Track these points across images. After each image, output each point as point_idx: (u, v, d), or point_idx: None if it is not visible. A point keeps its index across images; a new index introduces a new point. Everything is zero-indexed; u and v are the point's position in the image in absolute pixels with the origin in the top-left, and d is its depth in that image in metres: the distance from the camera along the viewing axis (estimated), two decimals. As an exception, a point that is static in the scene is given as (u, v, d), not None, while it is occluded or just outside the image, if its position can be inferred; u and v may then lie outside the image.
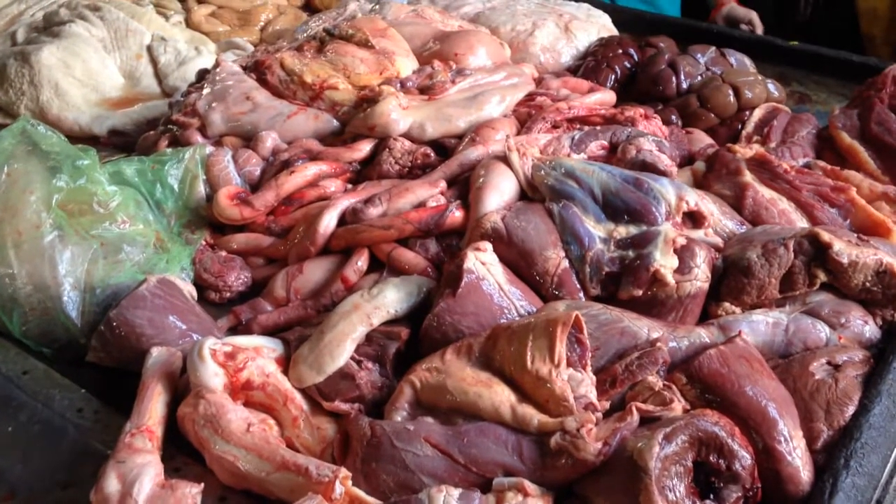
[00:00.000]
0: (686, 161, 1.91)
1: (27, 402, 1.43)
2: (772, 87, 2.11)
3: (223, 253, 1.76)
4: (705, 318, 1.49)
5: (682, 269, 1.45)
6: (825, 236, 1.44)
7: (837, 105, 2.02)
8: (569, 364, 1.28)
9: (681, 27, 2.61)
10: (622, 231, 1.55)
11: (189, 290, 1.64)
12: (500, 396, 1.28)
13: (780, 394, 1.27)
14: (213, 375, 1.34)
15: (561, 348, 1.27)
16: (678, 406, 1.26)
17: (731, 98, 2.06)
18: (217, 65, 2.12)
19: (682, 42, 2.41)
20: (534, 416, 1.25)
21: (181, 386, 1.42)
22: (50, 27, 2.53)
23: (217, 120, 1.97)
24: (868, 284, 1.44)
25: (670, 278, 1.44)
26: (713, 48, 2.26)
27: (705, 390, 1.28)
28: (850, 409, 1.29)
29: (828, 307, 1.46)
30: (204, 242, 1.78)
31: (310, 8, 3.08)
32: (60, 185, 1.62)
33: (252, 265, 1.78)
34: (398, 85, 1.97)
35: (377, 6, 2.43)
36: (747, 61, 2.27)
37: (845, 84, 2.31)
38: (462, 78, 2.01)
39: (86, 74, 2.37)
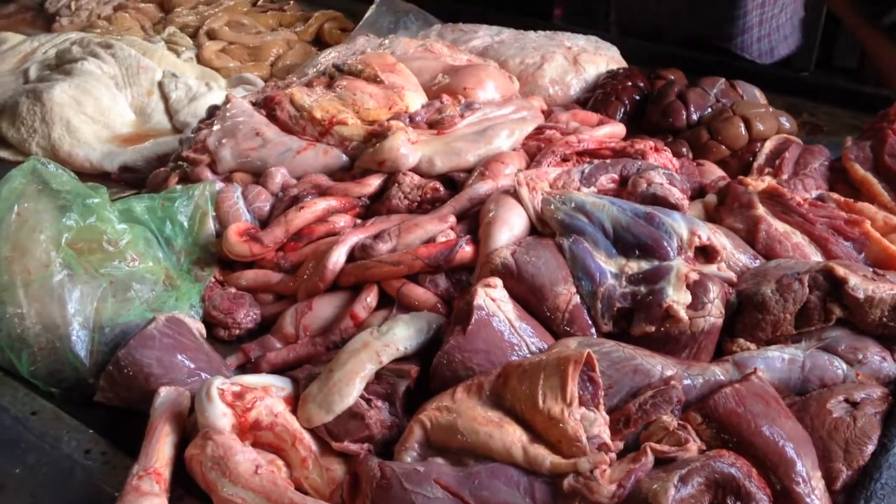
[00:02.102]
0: (697, 194, 1.90)
1: (35, 443, 1.42)
2: (783, 118, 2.10)
3: (232, 290, 1.75)
4: (719, 354, 1.47)
5: (696, 305, 1.43)
6: (840, 271, 1.42)
7: (850, 136, 2.01)
8: (581, 403, 1.26)
9: (690, 59, 2.61)
10: (634, 266, 1.53)
11: (198, 327, 1.63)
12: (512, 437, 1.25)
13: (797, 433, 1.25)
14: (220, 416, 1.33)
15: (573, 387, 1.25)
16: (694, 446, 1.24)
17: (742, 130, 2.05)
18: (227, 101, 2.13)
19: (692, 73, 2.41)
20: (546, 456, 1.23)
21: (189, 426, 1.40)
22: (62, 65, 2.56)
23: (227, 156, 1.98)
24: (885, 320, 1.42)
25: (683, 314, 1.42)
26: (723, 80, 2.25)
27: (721, 430, 1.25)
28: (870, 449, 1.26)
29: (844, 343, 1.43)
30: (213, 279, 1.77)
31: (320, 43, 3.11)
32: (70, 223, 1.62)
33: (261, 302, 1.77)
34: (407, 119, 1.97)
35: (386, 41, 2.45)
36: (757, 92, 2.27)
37: (857, 115, 2.30)
38: (471, 112, 2.01)
39: (97, 111, 2.38)
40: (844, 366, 1.41)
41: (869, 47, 2.85)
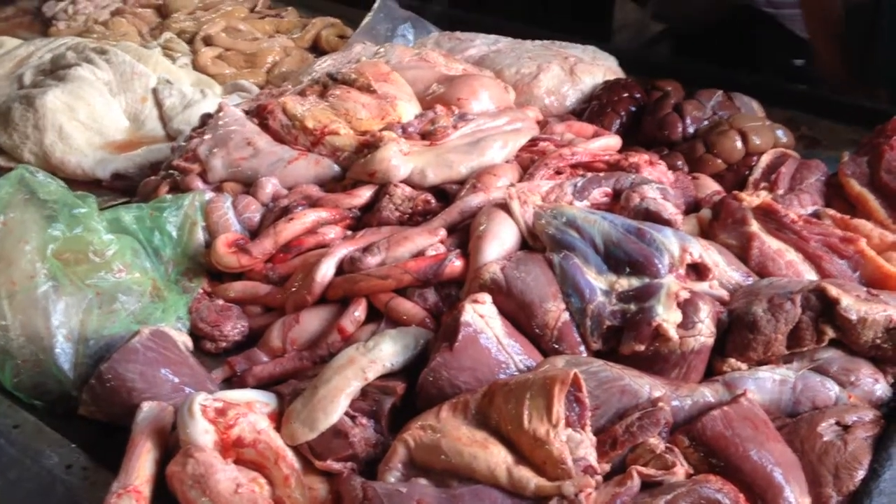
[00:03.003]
0: (692, 208, 1.88)
1: (17, 457, 1.41)
2: (780, 132, 2.08)
3: (220, 301, 1.74)
4: (710, 373, 1.45)
5: (686, 324, 1.41)
6: (833, 291, 1.40)
7: (847, 151, 1.98)
8: (567, 424, 1.24)
9: (688, 70, 2.59)
10: (624, 283, 1.51)
11: (184, 340, 1.62)
12: (496, 458, 1.24)
13: (786, 458, 1.23)
14: (202, 432, 1.31)
15: (559, 408, 1.23)
16: (681, 470, 1.22)
17: (739, 143, 2.03)
18: (220, 109, 2.12)
19: (689, 85, 2.39)
20: (531, 479, 1.21)
21: (172, 442, 1.39)
22: (56, 70, 2.55)
23: (218, 165, 1.96)
24: (878, 341, 1.40)
25: (673, 333, 1.40)
26: (720, 92, 2.23)
27: (709, 454, 1.24)
28: (860, 474, 1.25)
29: (836, 364, 1.42)
30: (201, 291, 1.75)
31: (316, 50, 3.09)
32: (56, 234, 1.60)
33: (249, 314, 1.75)
34: (399, 130, 1.96)
35: (382, 49, 2.43)
36: (755, 105, 2.25)
37: (856, 129, 2.28)
38: (464, 123, 1.99)
39: (90, 118, 2.37)
40: (836, 387, 1.39)
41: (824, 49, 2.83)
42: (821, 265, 1.60)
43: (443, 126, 1.95)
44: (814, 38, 2.79)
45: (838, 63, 2.73)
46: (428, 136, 1.95)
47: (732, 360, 1.45)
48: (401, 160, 1.85)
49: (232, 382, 1.62)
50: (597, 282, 1.52)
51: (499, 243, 1.62)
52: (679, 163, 2.04)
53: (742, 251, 1.64)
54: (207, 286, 1.78)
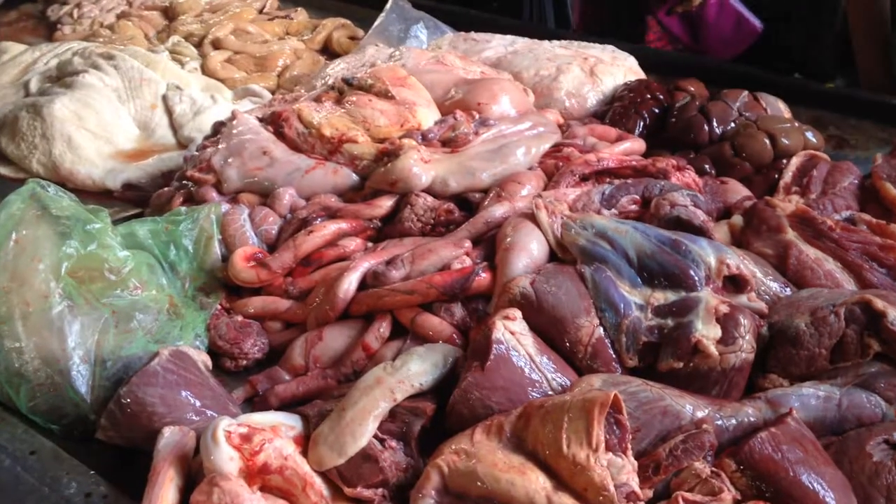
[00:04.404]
0: (722, 214, 1.83)
1: (34, 486, 1.36)
2: (809, 133, 2.03)
3: (239, 318, 1.69)
4: (750, 390, 1.40)
5: (726, 340, 1.37)
6: (879, 304, 1.35)
7: (877, 150, 1.93)
8: (608, 448, 1.19)
9: (709, 68, 2.53)
10: (660, 297, 1.46)
11: (203, 359, 1.57)
12: (535, 484, 1.19)
13: (837, 482, 1.18)
14: (227, 460, 1.26)
15: (599, 431, 1.19)
16: (728, 496, 1.17)
17: (768, 146, 1.97)
18: (233, 117, 2.06)
19: (711, 84, 2.33)
20: (571, 507, 1.16)
21: (195, 467, 1.34)
22: (63, 77, 2.50)
23: (233, 176, 1.91)
24: (926, 355, 1.35)
25: (713, 350, 1.35)
26: (745, 92, 2.17)
27: (757, 478, 1.19)
28: (914, 496, 1.19)
29: (883, 379, 1.36)
30: (219, 306, 1.71)
31: (328, 52, 3.03)
32: (70, 251, 1.55)
33: (269, 330, 1.70)
34: (419, 137, 1.90)
35: (397, 52, 2.38)
36: (781, 105, 2.19)
37: (884, 128, 2.23)
38: (485, 129, 1.94)
39: (99, 126, 2.32)
40: (883, 404, 1.34)
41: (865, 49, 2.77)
42: (861, 274, 1.55)
43: (464, 132, 1.89)
44: (855, 39, 2.73)
45: (879, 66, 2.66)
46: (449, 143, 1.90)
47: (774, 377, 1.40)
48: (422, 168, 1.79)
49: (253, 402, 1.58)
50: (631, 296, 1.47)
51: (527, 255, 1.57)
52: (706, 167, 1.98)
53: (779, 260, 1.59)
54: (225, 302, 1.73)
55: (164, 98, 2.47)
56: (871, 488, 1.21)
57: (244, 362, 1.65)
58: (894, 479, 1.22)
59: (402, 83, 2.06)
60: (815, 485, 1.15)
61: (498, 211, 1.71)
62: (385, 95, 2.01)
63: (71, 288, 1.53)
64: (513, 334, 1.39)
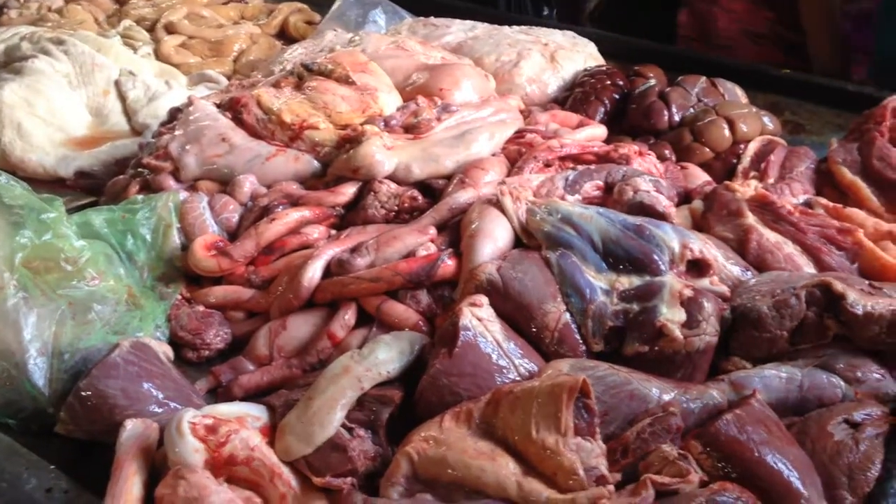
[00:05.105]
0: (682, 199, 1.84)
1: (-8, 482, 1.32)
2: (766, 118, 2.05)
3: (200, 308, 1.66)
4: (714, 372, 1.42)
5: (690, 323, 1.38)
6: (838, 286, 1.37)
7: (832, 136, 1.97)
8: (577, 432, 1.20)
9: (667, 55, 2.55)
10: (624, 282, 1.47)
11: (165, 350, 1.54)
12: (505, 470, 1.19)
13: (802, 462, 1.20)
14: (193, 452, 1.24)
15: (568, 416, 1.20)
16: (695, 477, 1.18)
17: (726, 131, 1.99)
18: (190, 103, 2.02)
19: (669, 70, 2.35)
20: (542, 491, 1.17)
21: (158, 460, 1.32)
22: (11, 63, 2.42)
23: (191, 163, 1.87)
24: (883, 336, 1.37)
25: (678, 333, 1.37)
26: (704, 78, 2.19)
27: (722, 459, 1.20)
28: (874, 474, 1.22)
29: (842, 360, 1.39)
30: (179, 296, 1.67)
31: (284, 36, 2.99)
32: (24, 242, 1.51)
33: (232, 319, 1.68)
34: (382, 123, 1.88)
35: (357, 37, 2.35)
36: (738, 91, 2.22)
37: (840, 113, 2.27)
38: (448, 115, 1.93)
39: (50, 113, 2.26)
40: (843, 384, 1.37)
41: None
42: (819, 257, 1.58)
43: (426, 119, 1.88)
44: (808, 25, 2.77)
45: (829, 52, 2.71)
46: (411, 129, 1.88)
47: (737, 359, 1.42)
48: (385, 155, 1.78)
49: (217, 393, 1.55)
50: (597, 281, 1.48)
51: (492, 242, 1.56)
52: (667, 152, 2.00)
53: (739, 244, 1.61)
54: (186, 291, 1.70)
55: (117, 84, 2.41)
56: (833, 467, 1.23)
57: (207, 353, 1.62)
58: (855, 458, 1.24)
59: (362, 69, 2.04)
60: (779, 465, 1.17)
61: (462, 197, 1.70)
62: (346, 81, 1.98)
63: (26, 279, 1.49)
64: (480, 321, 1.39)
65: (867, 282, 1.45)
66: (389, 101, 1.98)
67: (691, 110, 2.10)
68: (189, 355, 1.62)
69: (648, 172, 1.78)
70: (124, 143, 2.23)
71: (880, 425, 1.29)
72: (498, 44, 2.38)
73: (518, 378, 1.36)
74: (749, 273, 1.56)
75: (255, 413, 1.36)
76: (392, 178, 1.79)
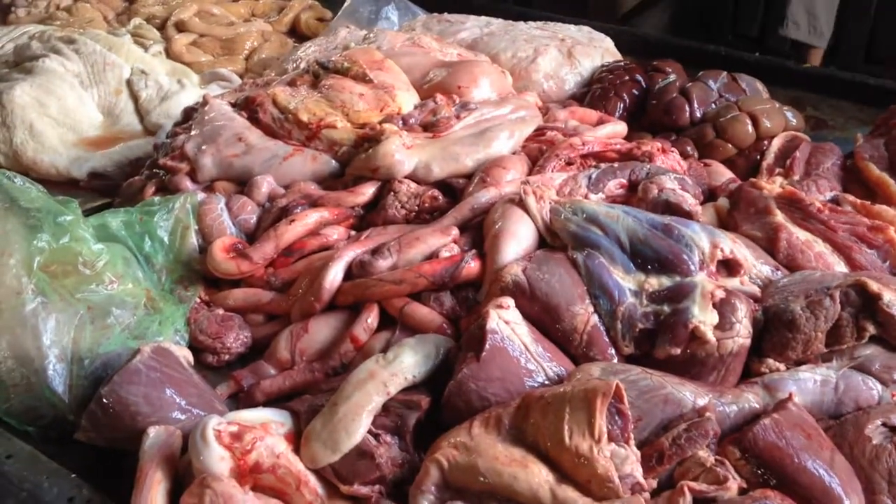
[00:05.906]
0: (707, 197, 1.81)
1: (13, 491, 1.30)
2: (789, 114, 2.02)
3: (220, 311, 1.64)
4: (746, 375, 1.39)
5: (723, 325, 1.35)
6: (874, 286, 1.34)
7: (856, 131, 1.93)
8: (610, 438, 1.17)
9: (685, 49, 2.52)
10: (654, 283, 1.44)
11: (185, 355, 1.51)
12: (538, 477, 1.16)
13: (842, 467, 1.17)
14: (218, 460, 1.22)
15: (601, 421, 1.16)
16: (734, 484, 1.15)
17: (749, 127, 1.96)
18: (205, 102, 1.99)
19: (687, 65, 2.32)
20: (576, 499, 1.14)
21: (182, 468, 1.29)
22: (21, 62, 2.39)
23: (208, 164, 1.85)
24: (920, 337, 1.35)
25: (710, 335, 1.34)
26: (724, 73, 2.16)
27: (761, 465, 1.17)
28: (915, 479, 1.19)
29: (878, 362, 1.36)
30: (198, 300, 1.65)
31: (295, 34, 2.96)
32: (42, 245, 1.48)
33: (252, 322, 1.65)
34: (400, 122, 1.86)
35: (371, 34, 2.32)
36: (759, 86, 2.18)
37: (862, 108, 2.23)
38: (467, 112, 1.90)
39: (62, 113, 2.23)
40: (879, 386, 1.34)
41: None
42: (850, 256, 1.54)
43: (445, 117, 1.85)
44: None
45: None
46: (430, 127, 1.85)
47: (770, 361, 1.38)
48: (404, 154, 1.75)
49: (238, 398, 1.53)
50: (625, 282, 1.45)
51: (516, 242, 1.53)
52: (689, 149, 1.97)
53: (768, 243, 1.58)
54: (205, 294, 1.67)
55: (129, 83, 2.38)
56: (873, 471, 1.21)
57: (227, 357, 1.60)
58: (895, 463, 1.21)
59: (378, 66, 2.01)
60: (820, 471, 1.14)
61: (484, 197, 1.67)
62: (363, 79, 1.96)
63: (44, 283, 1.47)
64: (507, 323, 1.36)
65: (902, 281, 1.42)
66: (407, 99, 1.95)
67: (713, 106, 2.08)
68: (209, 360, 1.60)
69: (672, 170, 1.75)
70: (138, 144, 2.21)
71: (919, 428, 1.26)
72: (514, 40, 2.35)
73: (547, 382, 1.33)
74: (779, 272, 1.52)
75: (279, 419, 1.34)
76: (412, 177, 1.77)
